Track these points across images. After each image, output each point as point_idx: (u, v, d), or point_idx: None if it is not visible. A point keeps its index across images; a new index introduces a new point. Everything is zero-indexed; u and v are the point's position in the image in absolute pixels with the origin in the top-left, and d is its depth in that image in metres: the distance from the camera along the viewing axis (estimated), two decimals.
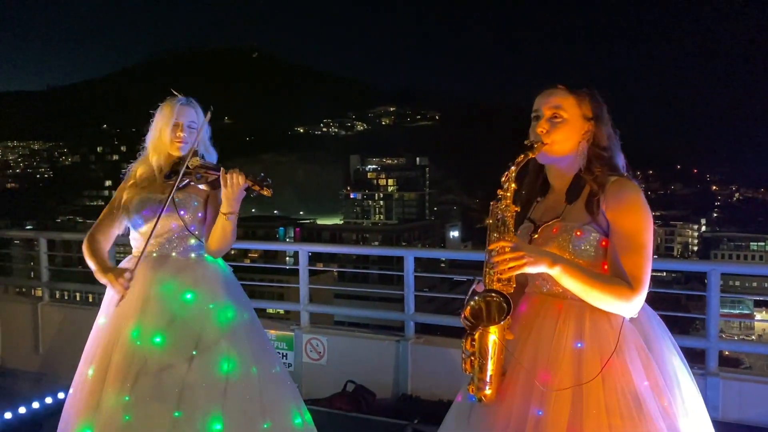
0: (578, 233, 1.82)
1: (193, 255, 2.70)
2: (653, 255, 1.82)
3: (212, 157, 2.79)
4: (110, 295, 2.67)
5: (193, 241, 2.69)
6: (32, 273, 6.44)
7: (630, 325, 1.79)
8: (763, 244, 75.10)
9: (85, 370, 2.57)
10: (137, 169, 2.78)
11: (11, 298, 6.71)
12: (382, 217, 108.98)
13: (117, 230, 2.78)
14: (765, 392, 3.73)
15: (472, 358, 1.78)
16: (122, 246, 3.38)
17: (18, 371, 5.46)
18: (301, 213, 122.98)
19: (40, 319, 5.71)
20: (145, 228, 2.65)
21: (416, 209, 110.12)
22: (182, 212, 2.64)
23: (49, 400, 4.30)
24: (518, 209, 1.84)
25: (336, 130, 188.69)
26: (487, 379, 1.77)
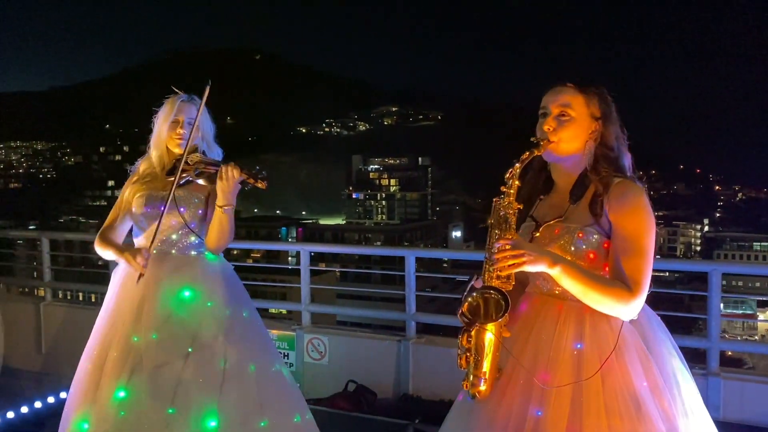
0: (580, 235, 1.82)
1: (193, 252, 2.70)
2: (655, 257, 1.82)
3: (217, 155, 2.81)
4: (112, 294, 2.69)
5: (193, 238, 2.70)
6: (35, 273, 6.46)
7: (630, 327, 1.79)
8: (766, 244, 74.94)
9: (84, 366, 2.60)
10: (140, 167, 2.81)
11: (14, 298, 6.73)
12: (384, 217, 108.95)
13: (125, 227, 2.81)
14: (766, 392, 3.73)
15: (468, 354, 1.78)
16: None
17: (20, 371, 5.47)
18: (304, 213, 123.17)
19: (42, 318, 5.73)
20: (147, 224, 2.67)
21: (418, 209, 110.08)
22: (182, 209, 2.65)
23: (51, 399, 4.32)
24: (521, 207, 1.84)
25: (338, 130, 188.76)
26: (482, 375, 1.77)
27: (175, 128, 2.71)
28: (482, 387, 1.78)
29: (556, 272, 1.73)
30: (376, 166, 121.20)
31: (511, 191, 1.81)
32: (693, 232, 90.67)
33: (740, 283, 53.04)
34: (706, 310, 3.86)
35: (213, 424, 2.45)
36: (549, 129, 1.86)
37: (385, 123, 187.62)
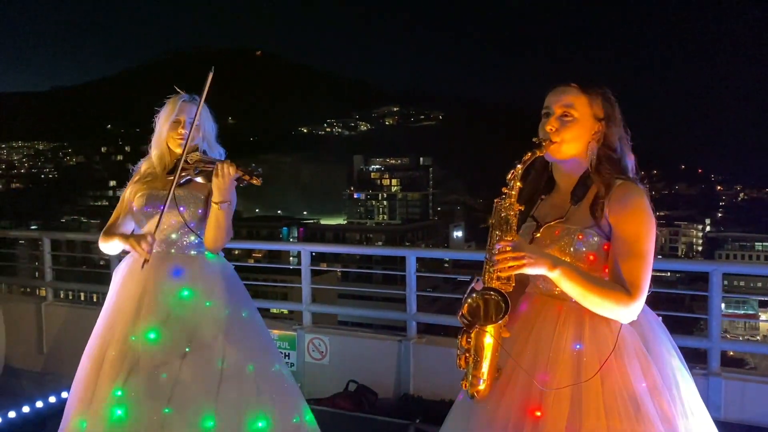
0: (580, 236, 1.81)
1: (192, 252, 2.71)
2: (656, 258, 1.81)
3: (219, 155, 2.81)
4: (112, 293, 2.69)
5: (192, 238, 2.70)
6: (36, 273, 6.47)
7: (629, 328, 1.79)
8: None
9: (84, 365, 2.60)
10: (142, 167, 2.83)
11: (15, 298, 6.74)
12: (385, 217, 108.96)
13: (128, 227, 2.81)
14: (767, 392, 3.72)
15: (467, 354, 1.79)
16: None
17: (22, 370, 5.48)
18: (305, 213, 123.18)
19: (43, 318, 5.73)
20: (147, 223, 2.68)
21: (420, 209, 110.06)
22: (182, 209, 2.66)
23: (52, 399, 4.32)
24: (522, 208, 1.83)
25: (339, 130, 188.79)
26: (481, 376, 1.77)
27: (177, 128, 2.71)
28: (481, 387, 1.78)
29: (555, 275, 1.73)
30: (377, 166, 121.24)
31: (513, 192, 1.81)
32: (695, 232, 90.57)
33: (742, 284, 52.97)
34: (707, 310, 3.87)
35: (210, 424, 2.45)
36: (551, 129, 1.85)
37: (387, 123, 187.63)
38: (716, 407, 3.64)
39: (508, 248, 1.72)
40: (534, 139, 1.87)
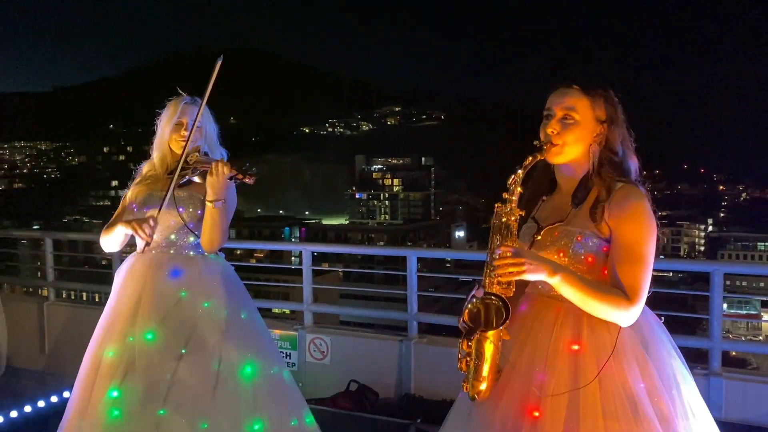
0: (579, 239, 1.81)
1: (191, 253, 2.71)
2: (658, 258, 1.81)
3: (221, 156, 2.81)
4: (114, 293, 2.69)
5: (192, 238, 2.70)
6: (38, 273, 6.48)
7: (628, 329, 1.79)
8: None
9: (85, 365, 2.61)
10: (144, 169, 2.84)
11: (17, 298, 6.75)
12: (387, 217, 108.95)
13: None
14: None
15: (468, 358, 1.79)
16: (128, 246, 3.40)
17: (24, 370, 5.49)
18: (307, 213, 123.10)
19: (45, 318, 5.74)
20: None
21: (422, 209, 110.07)
22: (181, 209, 2.66)
23: (54, 399, 4.33)
24: (523, 213, 1.83)
25: (341, 130, 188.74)
26: (482, 379, 1.78)
27: (179, 130, 2.71)
28: (482, 387, 1.79)
29: (555, 281, 1.73)
30: (379, 166, 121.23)
31: (513, 198, 1.80)
32: (697, 231, 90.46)
33: (744, 283, 52.87)
34: (708, 310, 3.87)
35: (205, 426, 2.45)
36: (553, 132, 1.85)
37: (389, 123, 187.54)
38: (717, 407, 3.63)
39: (508, 254, 1.72)
40: (535, 142, 1.86)
